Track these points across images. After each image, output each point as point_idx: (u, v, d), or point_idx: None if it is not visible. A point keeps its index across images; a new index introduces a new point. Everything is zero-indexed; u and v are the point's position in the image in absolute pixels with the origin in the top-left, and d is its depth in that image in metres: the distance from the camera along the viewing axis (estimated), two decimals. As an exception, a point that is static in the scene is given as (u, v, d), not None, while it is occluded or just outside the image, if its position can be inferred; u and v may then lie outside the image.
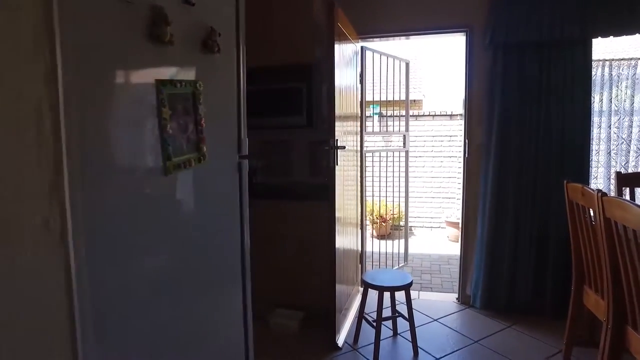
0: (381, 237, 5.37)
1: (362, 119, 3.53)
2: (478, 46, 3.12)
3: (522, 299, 3.06)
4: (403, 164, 4.16)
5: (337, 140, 2.58)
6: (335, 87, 2.54)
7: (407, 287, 2.54)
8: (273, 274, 3.03)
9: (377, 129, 6.28)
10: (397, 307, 2.81)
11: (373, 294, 2.65)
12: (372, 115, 6.25)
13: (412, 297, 2.70)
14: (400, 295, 2.69)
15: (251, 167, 3.83)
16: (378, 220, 5.73)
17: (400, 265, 4.13)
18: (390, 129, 5.00)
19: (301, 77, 3.00)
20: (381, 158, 4.32)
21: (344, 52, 2.94)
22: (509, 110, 2.98)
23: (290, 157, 3.46)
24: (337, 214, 2.68)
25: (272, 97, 3.12)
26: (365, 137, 5.98)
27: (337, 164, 2.60)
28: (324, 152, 2.64)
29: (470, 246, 3.32)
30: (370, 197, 5.71)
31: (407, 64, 4.01)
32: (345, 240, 3.09)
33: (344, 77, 2.97)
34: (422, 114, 6.09)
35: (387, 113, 5.57)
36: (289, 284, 3.05)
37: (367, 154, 6.46)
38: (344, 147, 2.63)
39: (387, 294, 2.65)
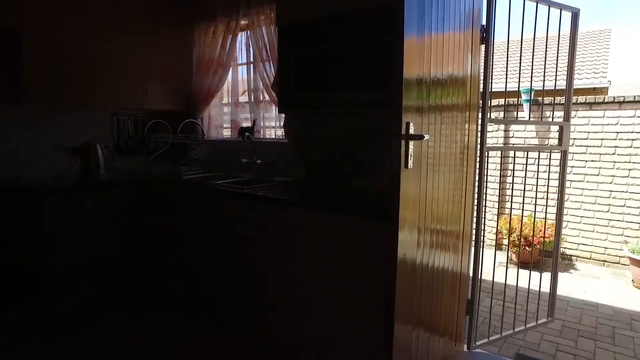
0: (524, 264, 3.90)
1: (485, 97, 2.29)
2: None
3: None
4: (560, 168, 2.71)
5: (409, 124, 1.51)
6: (405, 38, 1.46)
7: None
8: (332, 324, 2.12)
9: (528, 123, 4.68)
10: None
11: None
12: (522, 102, 4.68)
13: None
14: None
15: (314, 163, 3.02)
16: (520, 243, 4.22)
17: (539, 322, 2.73)
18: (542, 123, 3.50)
19: (380, 28, 1.98)
20: (533, 160, 2.93)
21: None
22: None
23: (371, 152, 2.47)
24: (415, 238, 1.63)
25: (337, 63, 2.17)
26: (512, 130, 4.51)
27: (407, 166, 1.53)
28: (394, 145, 1.59)
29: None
30: (513, 210, 4.26)
31: (576, 15, 2.55)
32: (434, 274, 1.99)
33: (444, 28, 1.84)
34: (599, 100, 4.27)
35: (542, 100, 4.02)
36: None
37: (501, 153, 5.00)
38: (421, 137, 1.53)
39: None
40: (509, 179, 4.69)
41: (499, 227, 4.62)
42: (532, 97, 4.52)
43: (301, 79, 2.35)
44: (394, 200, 1.54)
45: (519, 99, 4.49)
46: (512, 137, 4.84)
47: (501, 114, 4.74)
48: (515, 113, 4.68)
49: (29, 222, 2.44)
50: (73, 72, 2.79)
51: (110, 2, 2.95)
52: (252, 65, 3.26)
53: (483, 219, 2.47)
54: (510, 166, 4.69)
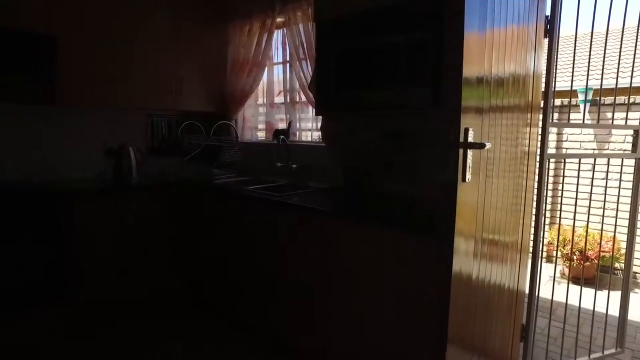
0: (578, 280, 3.55)
1: (547, 97, 2.02)
2: None
3: None
4: (630, 177, 2.40)
5: (468, 130, 1.29)
6: (465, 31, 1.25)
7: None
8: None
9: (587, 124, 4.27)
10: None
11: None
12: (579, 102, 4.28)
13: None
14: None
15: (353, 168, 2.80)
16: (575, 257, 3.86)
17: (606, 353, 2.41)
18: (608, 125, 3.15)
19: (423, 22, 1.77)
20: (591, 165, 2.61)
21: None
22: None
23: (413, 158, 2.26)
24: (470, 255, 1.41)
25: (380, 61, 1.97)
26: (566, 133, 4.19)
27: (465, 179, 1.32)
28: (448, 152, 1.38)
29: None
30: (565, 220, 3.91)
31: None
32: (489, 292, 1.77)
33: (506, 20, 1.61)
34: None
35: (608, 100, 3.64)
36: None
37: (558, 161, 4.58)
38: (482, 145, 1.32)
39: None
40: (560, 186, 4.31)
41: (551, 239, 4.25)
42: (600, 97, 4.13)
43: (340, 78, 2.16)
44: (449, 216, 1.33)
45: (585, 98, 4.10)
46: (566, 140, 4.45)
47: (556, 116, 4.36)
48: (571, 114, 4.29)
49: (61, 224, 2.39)
50: (106, 72, 2.74)
51: (143, 1, 2.88)
52: (288, 65, 3.11)
53: (542, 232, 2.20)
54: (563, 172, 4.31)
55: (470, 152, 1.32)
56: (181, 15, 3.08)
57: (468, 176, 1.32)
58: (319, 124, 2.78)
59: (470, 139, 1.31)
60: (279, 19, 3.03)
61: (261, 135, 3.48)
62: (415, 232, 1.65)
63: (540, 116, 2.07)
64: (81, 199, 2.47)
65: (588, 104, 4.20)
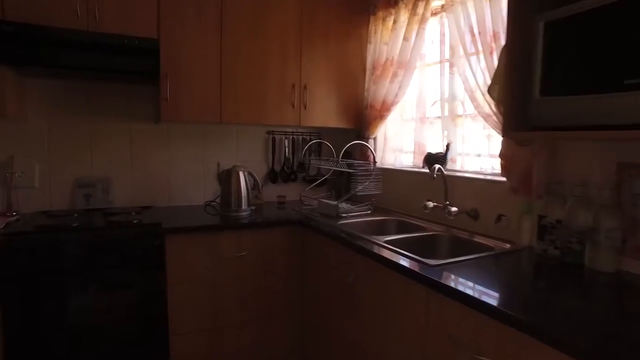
0: None
1: None
2: None
3: None
4: None
5: None
6: None
7: None
8: None
9: None
10: None
11: None
12: None
13: None
14: None
15: (558, 225, 1.46)
16: None
17: None
18: None
19: None
20: None
21: None
22: None
23: None
24: None
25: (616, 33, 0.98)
26: None
27: None
28: None
29: None
30: None
31: None
32: None
33: None
34: None
35: None
36: None
37: None
38: None
39: None
40: None
41: None
42: None
43: (556, 74, 1.21)
44: None
45: None
46: None
47: None
48: None
49: (151, 268, 1.96)
50: (220, 82, 2.28)
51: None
52: (447, 64, 2.23)
53: None
54: None
55: None
56: (306, 8, 2.48)
57: None
58: (499, 149, 1.82)
59: None
60: (435, 2, 2.18)
61: (407, 160, 2.63)
62: None
63: None
64: (176, 240, 2.01)
65: None
